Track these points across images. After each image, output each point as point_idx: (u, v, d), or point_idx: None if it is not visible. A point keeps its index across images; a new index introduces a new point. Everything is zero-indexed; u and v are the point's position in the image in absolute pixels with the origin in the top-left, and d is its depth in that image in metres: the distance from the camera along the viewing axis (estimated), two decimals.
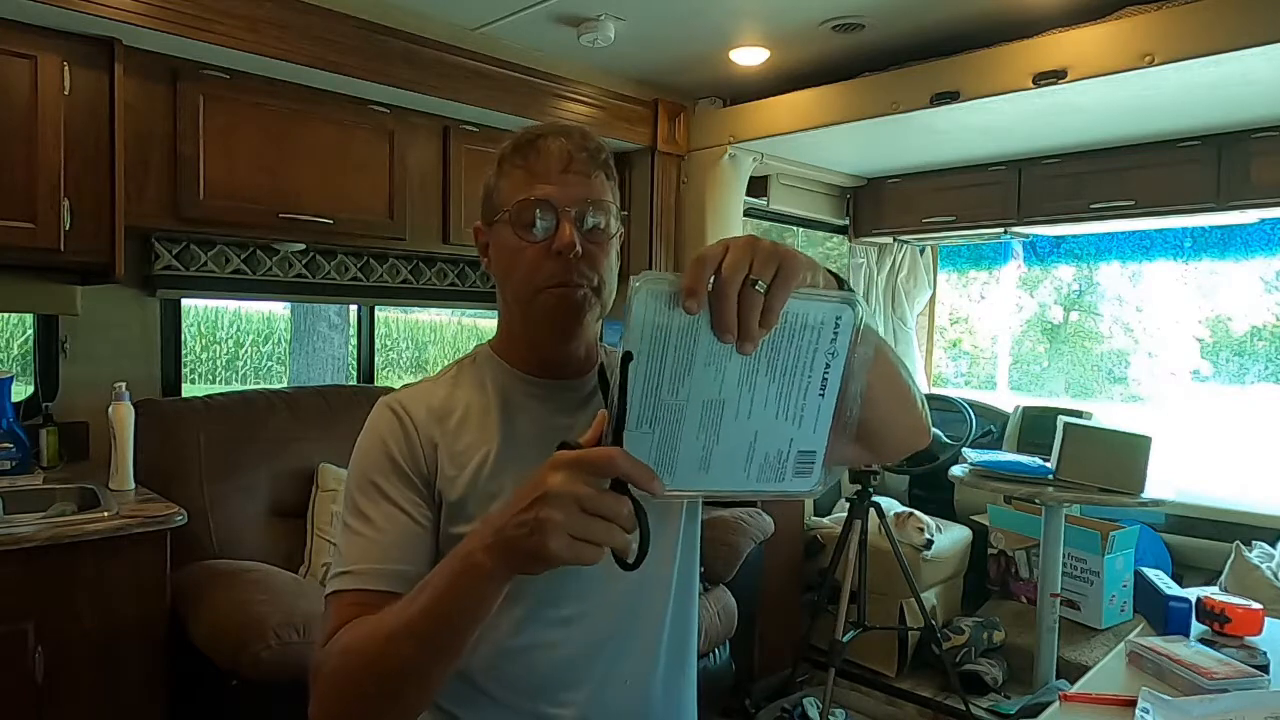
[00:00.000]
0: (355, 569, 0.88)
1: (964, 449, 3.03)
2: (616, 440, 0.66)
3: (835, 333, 0.69)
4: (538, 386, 0.99)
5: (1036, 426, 3.49)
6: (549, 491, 0.65)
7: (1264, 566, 2.72)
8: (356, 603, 0.85)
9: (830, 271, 0.74)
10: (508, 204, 0.94)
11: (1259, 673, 1.29)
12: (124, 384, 2.20)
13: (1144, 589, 1.76)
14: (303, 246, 2.73)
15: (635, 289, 0.63)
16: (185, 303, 2.75)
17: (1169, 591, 1.62)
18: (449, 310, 6.43)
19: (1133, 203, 3.20)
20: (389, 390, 1.06)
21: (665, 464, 0.69)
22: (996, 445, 3.51)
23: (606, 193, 0.96)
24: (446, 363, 1.06)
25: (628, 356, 0.64)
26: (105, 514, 1.91)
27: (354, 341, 3.44)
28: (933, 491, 3.75)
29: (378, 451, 0.93)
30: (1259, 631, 1.45)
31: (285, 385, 3.13)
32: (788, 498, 0.78)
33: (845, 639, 2.75)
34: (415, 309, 6.10)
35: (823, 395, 0.71)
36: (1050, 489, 2.55)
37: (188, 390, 2.72)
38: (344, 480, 0.97)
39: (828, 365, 0.70)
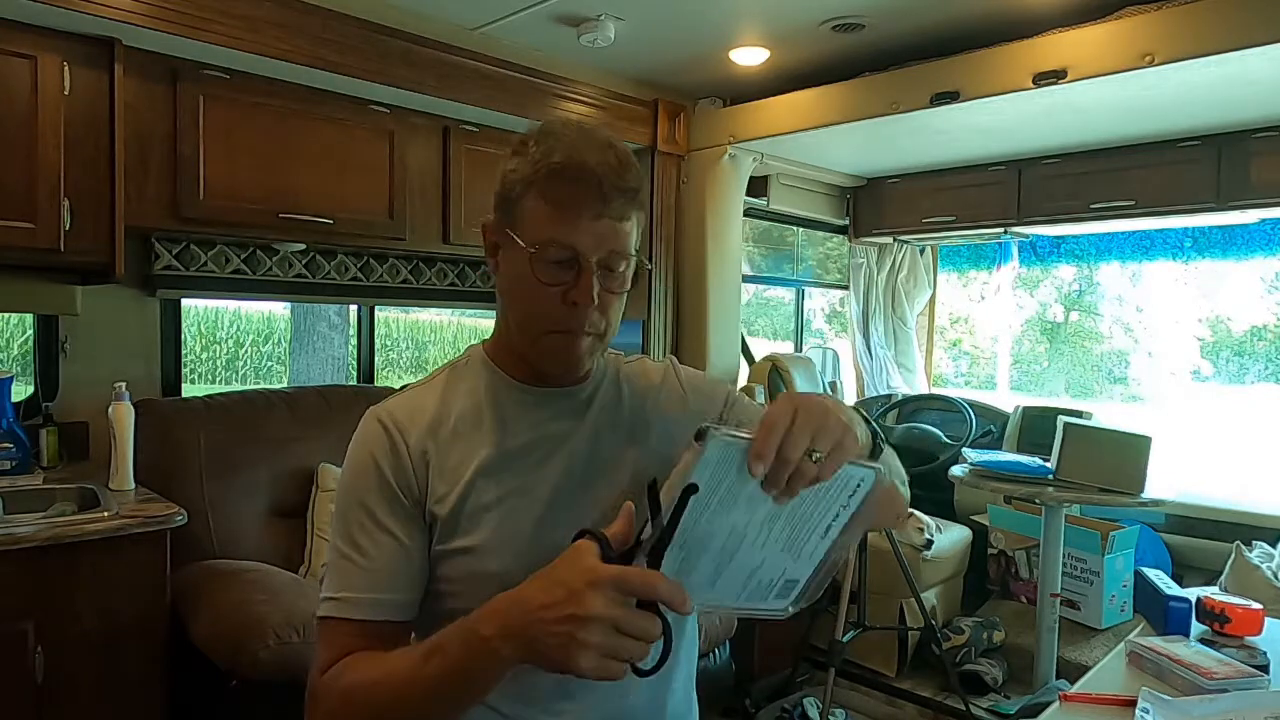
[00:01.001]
0: (346, 597, 0.87)
1: (964, 449, 3.02)
2: (655, 557, 0.70)
3: (854, 491, 0.77)
4: (533, 394, 0.97)
5: (1036, 426, 3.49)
6: (590, 615, 0.67)
7: (1264, 566, 2.72)
8: (351, 633, 0.85)
9: (866, 422, 0.84)
10: (531, 234, 0.88)
11: (1259, 673, 1.29)
12: (124, 384, 2.20)
13: (1144, 589, 1.76)
14: (303, 246, 2.73)
15: (713, 437, 0.70)
16: (185, 303, 2.75)
17: (1169, 591, 1.62)
18: (449, 310, 6.43)
19: (1133, 203, 3.20)
20: (389, 390, 1.04)
21: (680, 577, 0.74)
22: (996, 445, 3.51)
23: (633, 237, 0.91)
24: (444, 361, 1.03)
25: (692, 489, 0.69)
26: (105, 514, 1.91)
27: (354, 341, 3.44)
28: (933, 491, 3.75)
29: (368, 471, 0.91)
30: (1259, 631, 1.45)
31: (285, 385, 3.13)
32: (760, 615, 0.85)
33: (845, 639, 2.75)
34: (415, 309, 6.10)
35: (824, 538, 0.79)
36: (1050, 489, 2.54)
37: (188, 390, 2.72)
38: (335, 505, 0.94)
39: (837, 515, 0.78)
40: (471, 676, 0.75)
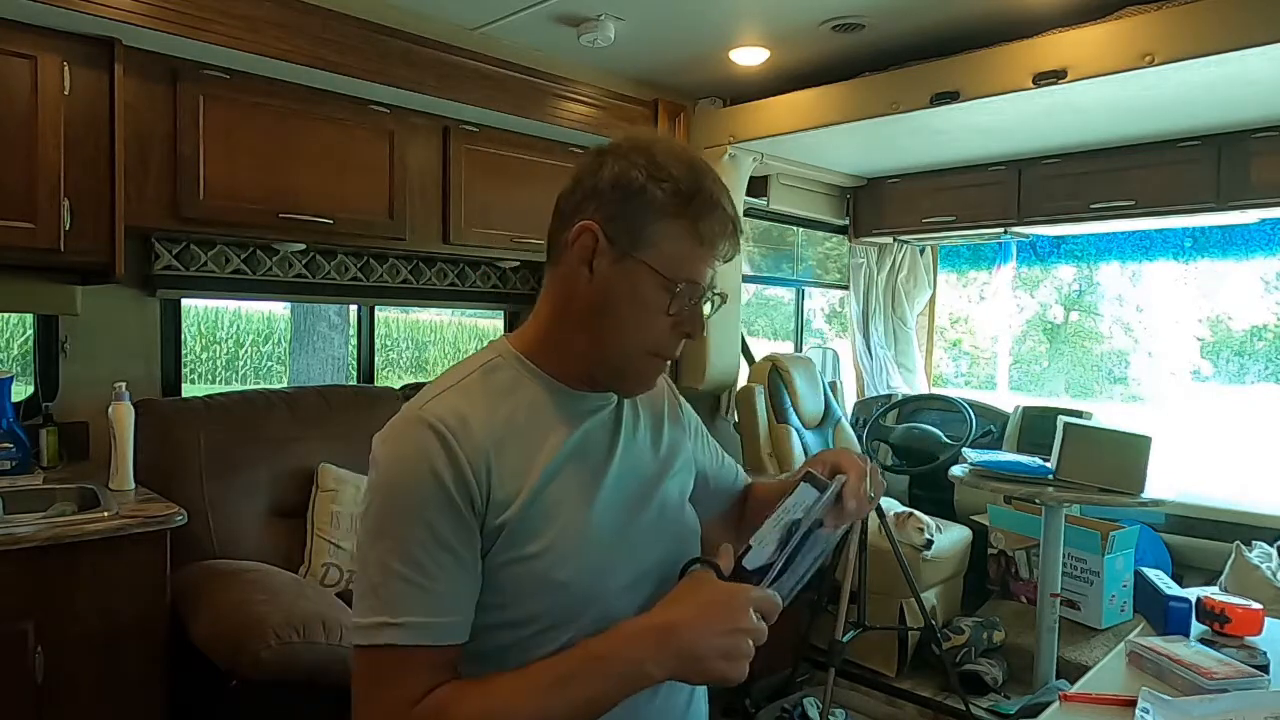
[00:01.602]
0: (418, 623, 0.81)
1: (964, 449, 3.02)
2: (775, 582, 0.85)
3: (848, 528, 1.00)
4: (575, 398, 0.94)
5: (1036, 426, 3.49)
6: (748, 628, 0.78)
7: (1264, 566, 2.72)
8: (426, 662, 0.81)
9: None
10: (671, 266, 0.88)
11: (1259, 673, 1.29)
12: (124, 384, 2.20)
13: (1144, 589, 1.76)
14: (303, 246, 2.72)
15: (833, 481, 0.93)
16: (185, 303, 2.75)
17: (1169, 591, 1.62)
18: (449, 310, 6.43)
19: (1133, 203, 3.20)
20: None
21: None
22: (996, 445, 3.51)
23: None
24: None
25: (818, 523, 0.90)
26: (105, 514, 1.91)
27: (354, 341, 3.44)
28: (933, 491, 3.75)
29: (427, 483, 0.83)
30: (1259, 631, 1.46)
31: (285, 385, 3.13)
32: None
33: (845, 639, 2.75)
34: (415, 309, 6.10)
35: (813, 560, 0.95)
36: (1050, 489, 2.54)
37: (188, 390, 2.72)
38: (368, 495, 0.86)
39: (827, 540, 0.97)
40: (611, 702, 0.79)
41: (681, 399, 1.12)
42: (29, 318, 2.67)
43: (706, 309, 0.94)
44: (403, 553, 0.82)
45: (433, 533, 0.82)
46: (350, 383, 3.70)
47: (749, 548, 0.87)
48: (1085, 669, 1.60)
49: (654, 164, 0.89)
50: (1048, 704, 1.24)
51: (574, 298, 0.92)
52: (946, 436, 3.55)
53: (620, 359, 0.92)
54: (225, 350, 6.63)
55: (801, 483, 0.93)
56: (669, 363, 0.97)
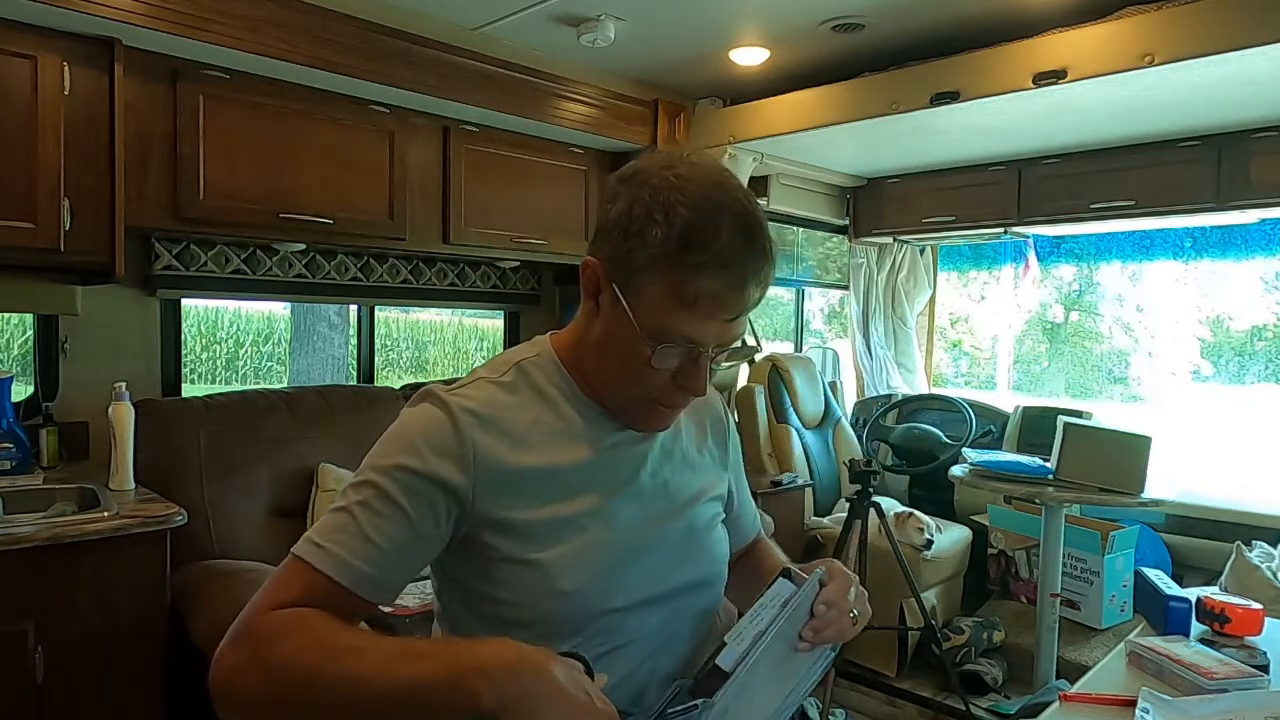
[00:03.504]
0: (339, 555, 0.80)
1: (964, 449, 3.02)
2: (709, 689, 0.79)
3: (825, 659, 0.93)
4: (603, 415, 0.93)
5: (1036, 426, 3.49)
6: None
7: (1264, 566, 2.72)
8: (322, 589, 0.80)
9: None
10: (652, 322, 0.82)
11: (1259, 673, 1.29)
12: (124, 384, 2.20)
13: (1144, 589, 1.76)
14: (303, 246, 2.73)
15: (814, 579, 0.88)
16: (185, 303, 2.75)
17: (1169, 591, 1.62)
18: (449, 310, 6.42)
19: (1133, 203, 3.20)
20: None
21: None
22: (996, 445, 3.51)
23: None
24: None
25: (799, 636, 0.87)
26: (105, 514, 1.91)
27: (354, 341, 3.44)
28: (933, 491, 3.75)
29: (417, 452, 0.83)
30: (1259, 631, 1.45)
31: (285, 385, 3.13)
32: None
33: None
34: (415, 309, 6.10)
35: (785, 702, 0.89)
36: (1050, 489, 2.54)
37: (188, 390, 2.72)
38: (362, 465, 0.87)
39: (800, 681, 0.91)
40: (435, 700, 0.71)
41: (734, 432, 1.10)
42: (29, 318, 2.67)
43: (725, 358, 0.88)
44: (366, 496, 0.83)
45: (400, 489, 0.83)
46: (350, 383, 3.70)
47: (723, 644, 0.81)
48: (1085, 669, 1.60)
49: (658, 200, 0.81)
50: (1048, 704, 1.24)
51: (589, 326, 0.91)
52: (946, 436, 3.55)
53: (621, 397, 0.90)
54: (225, 350, 6.62)
55: (779, 578, 0.88)
56: (677, 413, 0.93)
